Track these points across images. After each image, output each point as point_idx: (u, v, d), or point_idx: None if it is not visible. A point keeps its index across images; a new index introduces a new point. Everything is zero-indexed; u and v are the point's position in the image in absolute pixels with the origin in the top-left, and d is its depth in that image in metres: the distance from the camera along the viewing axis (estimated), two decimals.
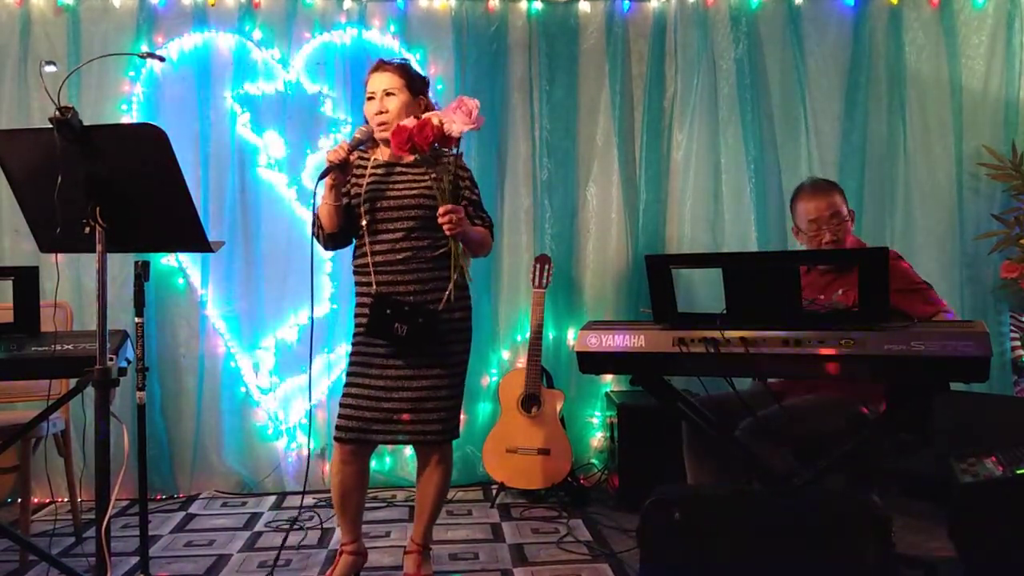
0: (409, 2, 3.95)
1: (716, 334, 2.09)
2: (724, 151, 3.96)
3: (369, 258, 2.54)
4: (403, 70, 2.59)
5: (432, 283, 2.53)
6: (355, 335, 2.62)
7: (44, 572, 2.77)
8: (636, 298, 3.95)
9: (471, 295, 2.67)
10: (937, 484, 2.79)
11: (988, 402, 3.40)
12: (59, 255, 2.20)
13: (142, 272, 2.61)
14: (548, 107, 3.98)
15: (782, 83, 3.98)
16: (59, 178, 1.98)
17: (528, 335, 3.73)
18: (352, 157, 2.51)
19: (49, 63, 2.57)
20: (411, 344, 2.49)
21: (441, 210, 2.41)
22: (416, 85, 2.60)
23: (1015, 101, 3.93)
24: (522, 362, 3.81)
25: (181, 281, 3.85)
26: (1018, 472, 2.43)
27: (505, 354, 4.02)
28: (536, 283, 3.72)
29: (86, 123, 1.99)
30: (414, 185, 2.54)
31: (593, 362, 2.24)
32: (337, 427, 2.57)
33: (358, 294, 2.63)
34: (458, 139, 2.40)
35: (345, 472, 2.60)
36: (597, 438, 4.03)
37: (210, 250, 2.24)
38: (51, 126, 1.95)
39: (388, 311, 2.48)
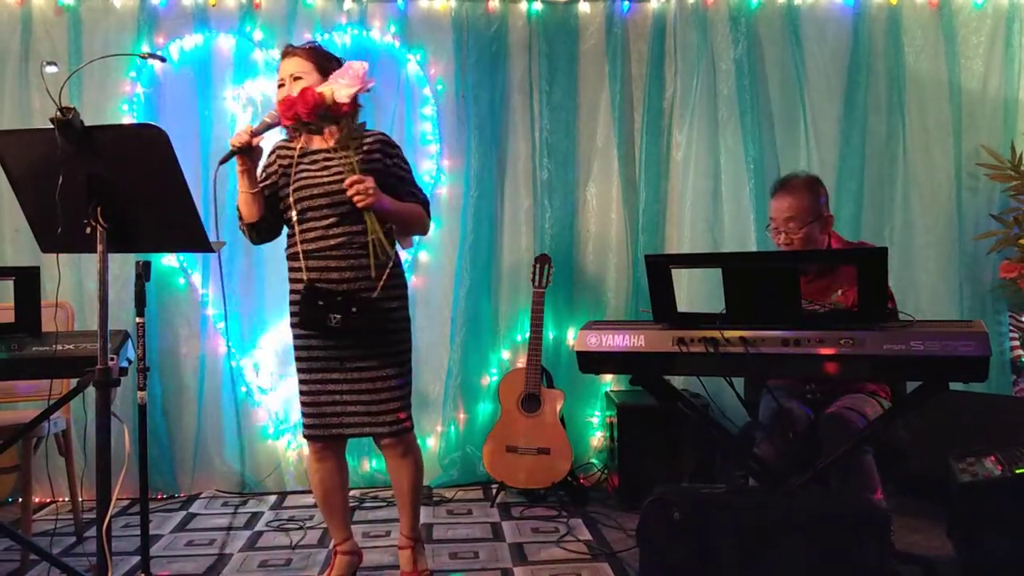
0: (409, 3, 3.95)
1: (716, 334, 2.10)
2: (723, 151, 3.96)
3: (299, 247, 2.49)
4: (312, 53, 2.52)
5: (366, 270, 2.45)
6: (293, 325, 2.57)
7: (45, 571, 2.78)
8: (636, 298, 3.96)
9: (407, 284, 2.61)
10: (936, 483, 2.80)
11: (987, 402, 3.40)
12: (60, 255, 2.20)
13: (143, 272, 2.62)
14: (548, 108, 3.98)
15: (781, 83, 3.98)
16: (60, 178, 1.99)
17: (528, 335, 3.73)
18: (255, 141, 2.39)
19: (50, 63, 2.58)
20: (346, 335, 2.44)
21: (347, 182, 2.34)
22: (328, 66, 2.50)
23: (1014, 101, 3.93)
24: (522, 362, 3.82)
25: (182, 281, 3.86)
26: (1017, 472, 2.44)
27: (505, 354, 4.03)
28: (536, 283, 3.73)
29: (87, 123, 1.99)
30: (343, 172, 2.44)
31: (593, 362, 2.25)
32: (303, 424, 2.57)
33: (291, 280, 2.57)
34: (353, 105, 2.30)
35: (322, 470, 2.59)
36: (597, 438, 4.04)
37: (211, 250, 2.24)
38: (52, 126, 1.96)
39: (320, 302, 2.41)
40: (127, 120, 3.73)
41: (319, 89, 2.29)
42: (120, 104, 3.80)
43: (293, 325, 2.56)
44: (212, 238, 2.37)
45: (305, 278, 2.47)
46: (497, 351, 4.03)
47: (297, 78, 2.47)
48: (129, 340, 2.54)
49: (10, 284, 2.45)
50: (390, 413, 2.50)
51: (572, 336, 3.96)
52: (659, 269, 2.22)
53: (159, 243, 2.41)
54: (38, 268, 2.48)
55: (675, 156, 4.01)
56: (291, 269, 2.57)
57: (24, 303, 2.45)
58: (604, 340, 2.21)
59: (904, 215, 3.95)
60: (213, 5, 3.84)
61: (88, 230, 2.03)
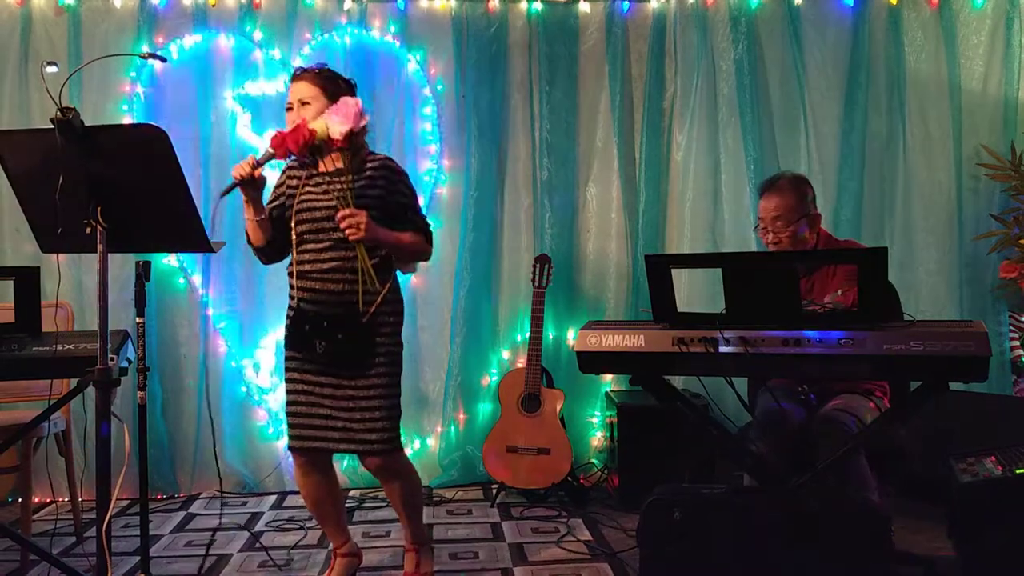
0: (409, 3, 3.95)
1: (715, 334, 2.10)
2: (723, 151, 3.96)
3: (295, 267, 2.50)
4: (320, 77, 2.51)
5: (360, 295, 2.43)
6: (285, 339, 2.57)
7: (45, 572, 2.77)
8: (636, 298, 3.96)
9: (403, 311, 2.60)
10: (936, 483, 2.80)
11: (987, 402, 3.40)
12: (60, 255, 2.21)
13: (143, 272, 2.61)
14: (548, 107, 3.99)
15: (781, 83, 3.98)
16: (60, 178, 1.99)
17: (528, 335, 3.73)
18: (257, 173, 2.39)
19: (50, 63, 2.57)
20: (331, 360, 2.44)
21: (339, 216, 2.34)
22: (337, 91, 2.49)
23: (1014, 101, 3.93)
24: (522, 362, 3.82)
25: (182, 281, 3.86)
26: (1017, 472, 2.44)
27: (505, 354, 4.03)
28: (536, 283, 3.73)
29: (87, 123, 1.99)
30: (337, 204, 2.43)
31: (593, 362, 2.25)
32: (288, 436, 2.56)
33: (289, 297, 2.58)
34: (347, 142, 2.30)
35: (308, 484, 2.58)
36: (597, 438, 4.04)
37: (211, 250, 2.24)
38: (52, 126, 1.96)
39: (307, 327, 2.43)
40: (127, 120, 3.73)
41: (312, 125, 2.30)
42: (120, 104, 3.80)
43: (285, 339, 2.56)
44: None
45: (295, 297, 2.49)
46: (497, 351, 4.03)
47: (305, 103, 2.47)
48: (129, 340, 2.54)
49: (10, 284, 2.45)
50: (372, 432, 2.46)
51: (572, 336, 3.96)
52: (659, 269, 2.22)
53: (159, 243, 2.42)
54: (38, 268, 2.48)
55: (675, 156, 4.02)
56: (290, 287, 2.58)
57: (24, 303, 2.45)
58: (604, 340, 2.21)
59: (904, 215, 3.95)
60: (213, 5, 3.84)
61: (88, 230, 2.03)
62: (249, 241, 2.55)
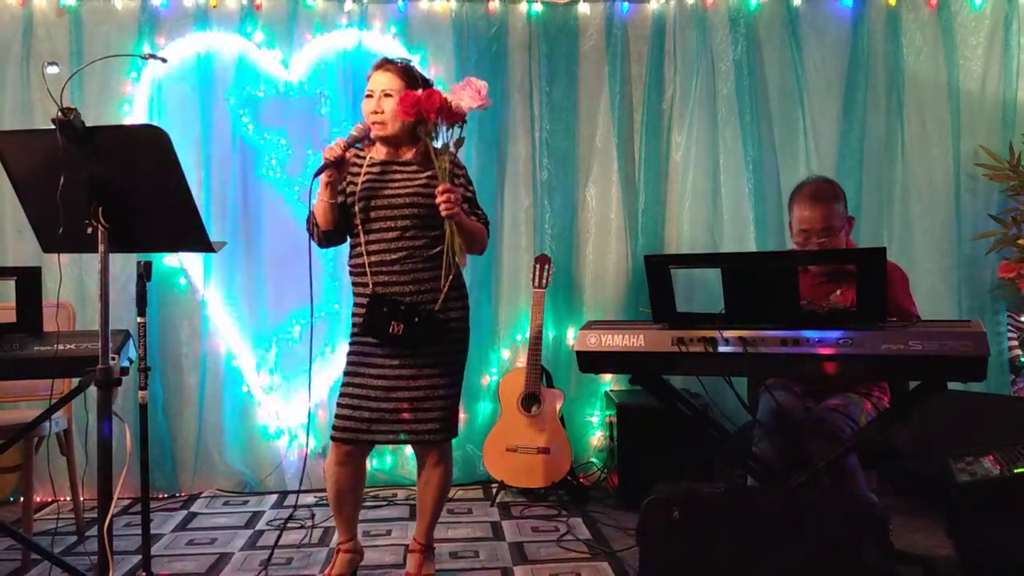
0: (410, 4, 3.96)
1: (715, 334, 2.10)
2: (723, 152, 3.97)
3: (365, 258, 2.53)
4: (405, 73, 2.57)
5: (428, 283, 2.52)
6: (352, 334, 2.61)
7: (46, 571, 2.78)
8: (636, 298, 3.96)
9: (468, 297, 2.66)
10: (935, 483, 2.80)
11: (985, 402, 3.41)
12: (62, 255, 2.21)
13: (144, 272, 2.62)
14: (548, 108, 3.99)
15: (781, 84, 3.99)
16: (61, 179, 2.00)
17: (528, 335, 3.74)
18: (348, 155, 2.48)
19: (51, 64, 2.58)
20: (407, 343, 2.48)
21: (440, 188, 2.40)
22: (416, 87, 2.55)
23: (1012, 102, 3.94)
24: (522, 361, 3.82)
25: (183, 281, 3.86)
26: (1015, 471, 2.45)
27: (505, 354, 4.03)
28: (536, 283, 3.73)
29: (88, 124, 2.00)
30: (408, 184, 2.52)
31: (593, 361, 2.26)
32: (334, 427, 2.57)
33: (355, 294, 2.61)
34: (464, 119, 2.40)
35: (340, 473, 2.60)
36: (596, 437, 4.05)
37: (212, 250, 2.25)
38: (54, 127, 1.97)
39: (385, 309, 2.47)
40: (128, 121, 3.74)
41: (443, 94, 2.38)
42: (121, 105, 3.80)
43: (354, 334, 2.59)
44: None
45: (370, 284, 2.51)
46: (497, 351, 4.04)
47: (387, 95, 2.52)
48: (130, 340, 2.55)
49: (12, 284, 2.46)
50: (432, 422, 2.53)
51: (572, 336, 3.96)
52: (659, 269, 2.23)
53: (160, 243, 2.42)
54: (39, 268, 2.49)
55: (674, 156, 4.02)
56: (356, 283, 2.60)
57: (26, 303, 2.46)
58: (604, 340, 2.22)
59: (903, 215, 3.96)
60: (214, 6, 3.85)
61: (89, 230, 2.04)
62: (315, 224, 2.57)
